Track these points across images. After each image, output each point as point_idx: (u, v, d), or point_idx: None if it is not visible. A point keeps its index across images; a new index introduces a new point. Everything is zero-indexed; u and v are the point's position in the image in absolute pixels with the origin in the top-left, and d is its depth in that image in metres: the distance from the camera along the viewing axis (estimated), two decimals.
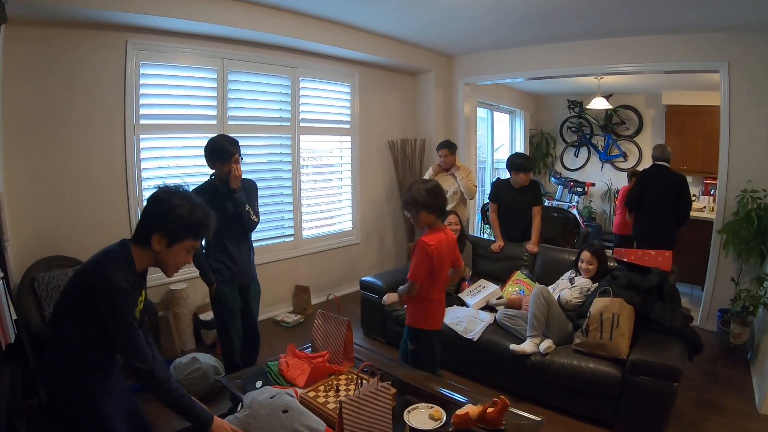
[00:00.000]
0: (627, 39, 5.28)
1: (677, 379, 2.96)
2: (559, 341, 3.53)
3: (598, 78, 6.90)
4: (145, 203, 1.86)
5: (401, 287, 2.94)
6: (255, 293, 3.54)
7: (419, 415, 2.29)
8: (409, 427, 2.20)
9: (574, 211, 7.69)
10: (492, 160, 9.10)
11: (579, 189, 8.54)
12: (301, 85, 5.36)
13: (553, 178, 9.16)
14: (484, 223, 7.16)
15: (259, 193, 3.53)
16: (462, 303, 4.34)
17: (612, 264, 4.04)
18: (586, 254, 3.92)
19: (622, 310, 3.32)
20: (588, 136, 9.16)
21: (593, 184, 8.80)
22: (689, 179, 5.26)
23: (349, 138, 6.06)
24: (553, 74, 6.13)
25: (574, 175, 9.28)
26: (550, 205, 7.86)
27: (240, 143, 3.21)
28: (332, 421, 2.12)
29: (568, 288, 3.88)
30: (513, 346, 3.53)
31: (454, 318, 3.98)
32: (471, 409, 2.17)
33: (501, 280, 4.62)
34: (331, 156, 6.10)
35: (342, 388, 2.53)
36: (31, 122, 3.59)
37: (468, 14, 4.70)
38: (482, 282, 4.58)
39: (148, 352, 1.79)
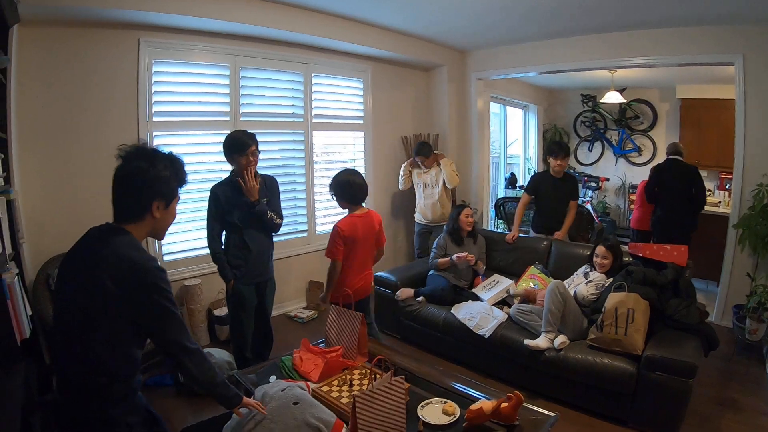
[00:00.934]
0: (641, 32, 5.21)
1: (692, 375, 2.94)
2: (573, 337, 3.52)
3: (612, 72, 6.85)
4: (123, 178, 1.73)
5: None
6: (271, 290, 3.56)
7: (433, 409, 2.30)
8: (423, 421, 2.21)
9: (588, 206, 7.63)
10: (505, 156, 9.06)
11: (593, 184, 8.48)
12: (314, 81, 5.37)
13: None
14: (498, 218, 7.13)
15: None
16: (476, 298, 4.33)
17: (627, 259, 4.01)
18: (601, 249, 3.89)
19: (638, 306, 3.29)
20: (602, 131, 9.09)
21: (607, 179, 8.75)
22: (704, 174, 5.43)
23: (362, 133, 6.07)
24: (566, 68, 6.08)
25: (588, 170, 9.22)
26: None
27: None
28: (346, 415, 2.14)
29: (584, 283, 3.85)
30: (527, 342, 3.52)
31: (467, 313, 3.98)
32: (485, 405, 2.17)
33: (515, 274, 4.60)
34: (344, 152, 6.10)
35: (355, 382, 2.54)
36: (45, 121, 3.63)
37: (480, 8, 4.68)
38: (496, 277, 4.57)
39: None
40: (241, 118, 4.72)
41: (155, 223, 1.78)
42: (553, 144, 5.17)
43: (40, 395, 2.60)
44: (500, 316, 3.92)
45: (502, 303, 4.27)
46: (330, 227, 5.83)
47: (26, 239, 3.41)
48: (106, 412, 1.65)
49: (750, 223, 4.58)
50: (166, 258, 4.30)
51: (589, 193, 8.55)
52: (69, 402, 1.66)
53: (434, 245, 4.71)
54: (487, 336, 3.76)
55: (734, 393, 3.64)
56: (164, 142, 4.27)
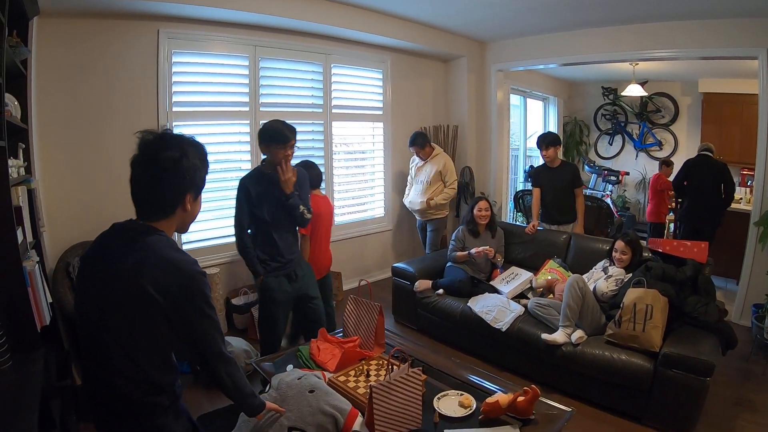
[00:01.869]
0: (663, 24, 5.13)
1: (710, 374, 2.91)
2: (591, 332, 3.50)
3: (633, 64, 6.75)
4: (152, 171, 1.55)
5: None
6: (309, 276, 3.42)
7: (449, 402, 2.31)
8: (439, 413, 2.22)
9: (608, 201, 7.57)
10: (525, 148, 8.99)
11: (613, 178, 8.42)
12: (333, 71, 5.38)
13: (586, 167, 8.99)
14: (517, 211, 7.11)
15: None
16: (494, 290, 4.32)
17: (646, 254, 3.98)
18: (620, 243, 3.86)
19: (656, 302, 3.26)
20: (622, 124, 9.00)
21: (627, 173, 8.67)
22: None
23: (381, 124, 6.07)
24: (587, 60, 6.02)
25: (608, 164, 9.14)
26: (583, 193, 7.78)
27: None
28: (362, 406, 2.15)
29: (603, 278, 3.82)
30: (545, 336, 3.51)
31: (484, 306, 3.98)
32: (501, 398, 2.17)
33: (533, 267, 4.57)
34: (363, 142, 6.11)
35: (372, 373, 2.55)
36: (65, 111, 3.69)
37: None
38: (515, 269, 4.56)
39: None
40: (261, 108, 4.73)
41: (185, 216, 1.66)
42: (538, 137, 5.21)
43: (59, 381, 2.65)
44: (517, 309, 3.91)
45: (520, 296, 4.27)
46: (350, 217, 5.92)
47: (47, 228, 3.49)
48: (154, 422, 1.59)
49: None
50: (184, 247, 4.31)
51: (609, 187, 8.48)
52: (113, 415, 1.58)
53: (453, 237, 4.72)
54: (504, 330, 3.76)
55: (751, 393, 3.61)
56: (184, 132, 4.28)
